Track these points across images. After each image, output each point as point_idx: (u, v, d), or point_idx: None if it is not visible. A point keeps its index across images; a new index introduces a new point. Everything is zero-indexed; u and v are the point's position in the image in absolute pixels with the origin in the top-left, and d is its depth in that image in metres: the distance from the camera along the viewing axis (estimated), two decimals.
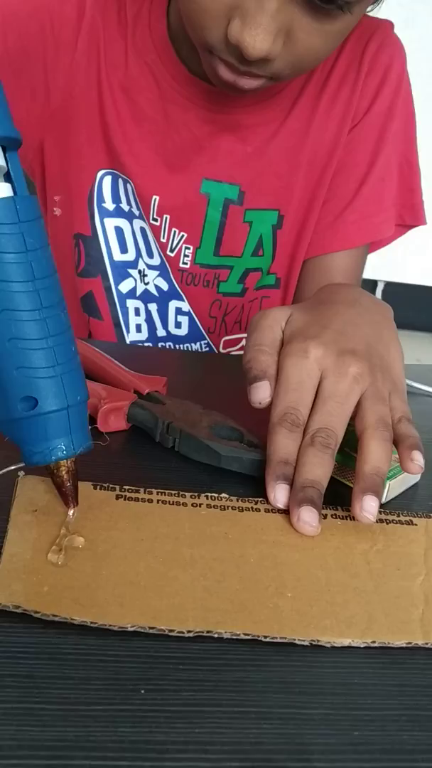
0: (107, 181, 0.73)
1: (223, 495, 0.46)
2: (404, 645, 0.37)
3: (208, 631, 0.35)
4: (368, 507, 0.44)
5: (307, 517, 0.43)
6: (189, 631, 0.35)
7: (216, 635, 0.35)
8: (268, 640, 0.35)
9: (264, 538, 0.43)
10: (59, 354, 0.37)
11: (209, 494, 0.46)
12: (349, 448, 0.49)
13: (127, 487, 0.45)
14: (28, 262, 0.36)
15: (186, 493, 0.45)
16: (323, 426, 0.46)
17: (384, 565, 0.42)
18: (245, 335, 0.73)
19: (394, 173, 0.78)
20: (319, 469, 0.45)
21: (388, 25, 0.75)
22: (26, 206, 0.36)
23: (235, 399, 0.61)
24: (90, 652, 0.33)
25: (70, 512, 0.41)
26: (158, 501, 0.44)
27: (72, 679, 0.32)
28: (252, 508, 0.45)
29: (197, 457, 0.49)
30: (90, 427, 0.41)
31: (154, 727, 0.30)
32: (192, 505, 0.44)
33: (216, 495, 0.46)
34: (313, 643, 0.36)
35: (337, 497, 0.48)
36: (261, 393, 0.48)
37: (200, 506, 0.44)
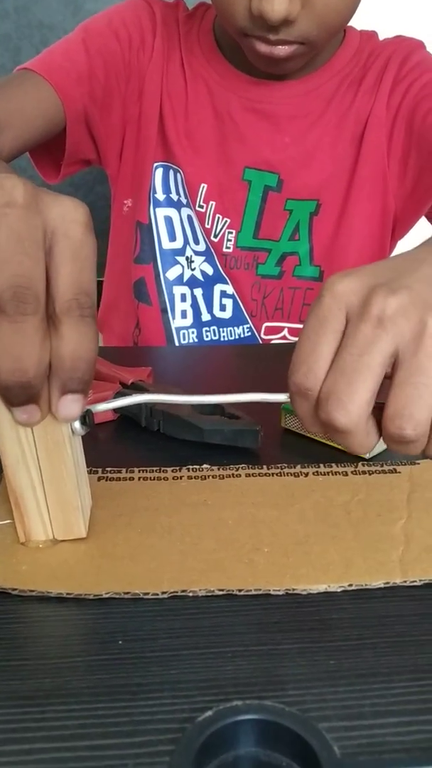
0: (159, 173, 0.79)
1: (204, 466, 0.47)
2: (382, 585, 0.37)
3: (182, 591, 0.36)
4: None
5: None
6: (164, 593, 0.36)
7: (191, 594, 0.36)
8: (243, 593, 0.36)
9: (243, 501, 0.44)
10: None
11: (190, 466, 0.47)
12: None
13: (109, 469, 0.46)
14: None
15: (167, 468, 0.47)
16: None
17: (365, 513, 0.43)
18: (286, 324, 0.81)
19: None
20: None
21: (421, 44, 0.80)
22: None
23: (216, 380, 0.63)
24: (69, 613, 0.35)
25: None
26: (139, 478, 0.46)
27: (51, 637, 0.33)
28: (233, 474, 0.46)
29: (182, 435, 0.51)
30: None
31: (131, 672, 0.31)
32: (173, 478, 0.46)
33: (197, 466, 0.47)
34: (288, 591, 0.37)
35: (321, 455, 0.49)
36: None
37: (181, 478, 0.46)
